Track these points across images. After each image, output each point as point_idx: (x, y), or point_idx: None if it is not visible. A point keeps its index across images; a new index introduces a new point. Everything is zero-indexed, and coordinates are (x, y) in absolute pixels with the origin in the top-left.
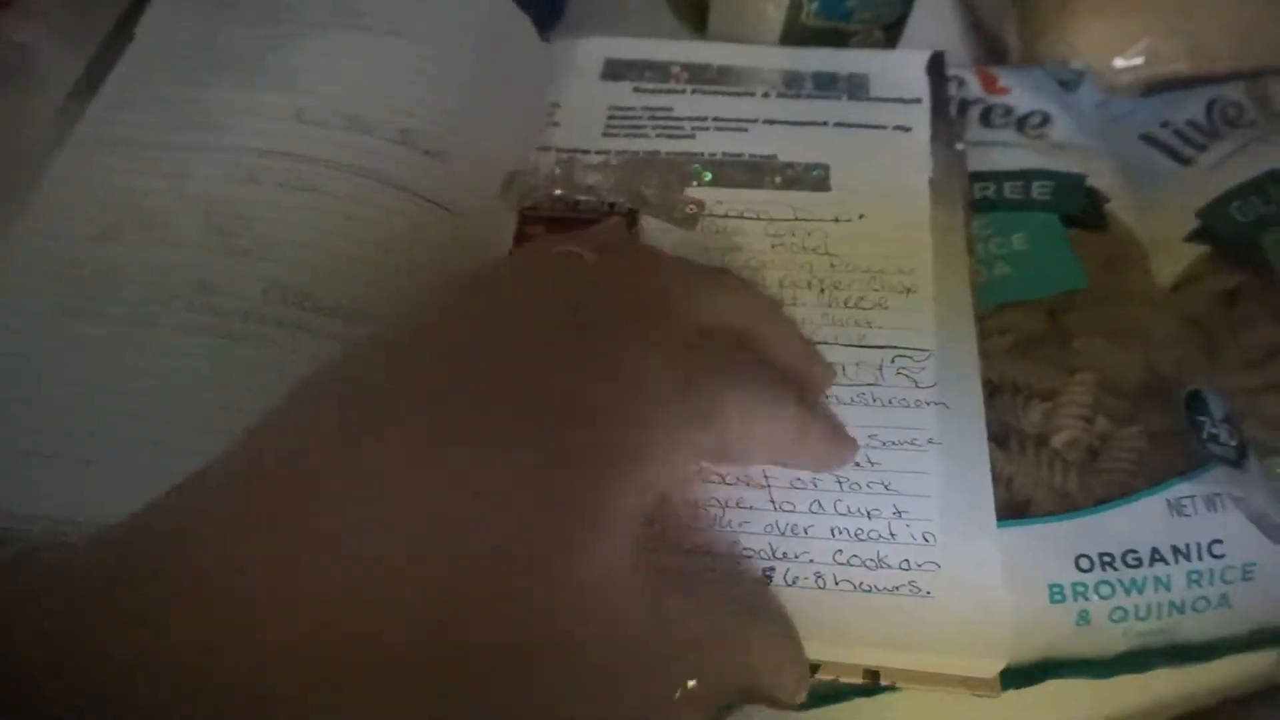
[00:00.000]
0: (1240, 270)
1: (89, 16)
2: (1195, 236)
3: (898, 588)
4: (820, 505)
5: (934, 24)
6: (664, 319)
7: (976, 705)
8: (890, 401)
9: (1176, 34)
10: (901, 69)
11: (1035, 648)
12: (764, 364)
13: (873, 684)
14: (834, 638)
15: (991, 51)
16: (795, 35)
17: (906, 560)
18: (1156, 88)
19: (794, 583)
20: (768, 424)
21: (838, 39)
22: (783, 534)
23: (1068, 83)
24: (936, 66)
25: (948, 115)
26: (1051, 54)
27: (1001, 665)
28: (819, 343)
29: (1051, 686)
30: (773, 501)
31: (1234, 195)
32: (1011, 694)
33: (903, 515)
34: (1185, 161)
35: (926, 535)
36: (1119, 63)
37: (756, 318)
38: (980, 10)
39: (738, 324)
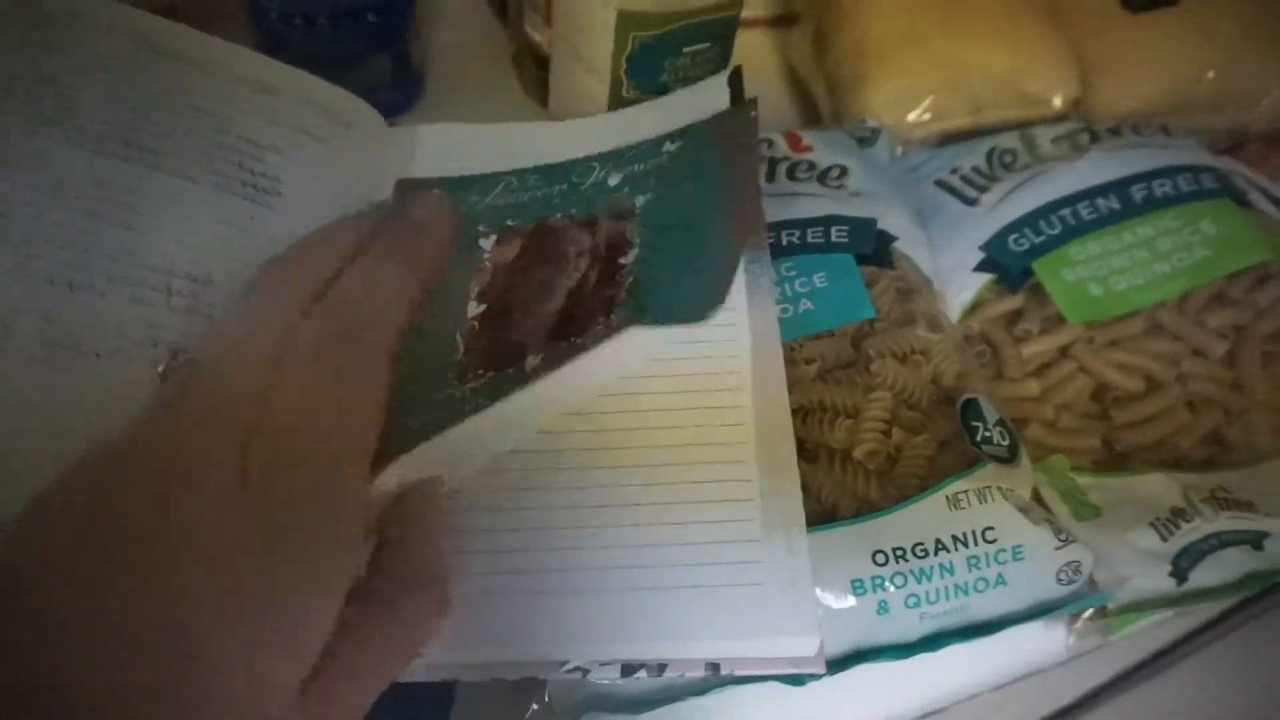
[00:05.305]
0: (1019, 294)
1: None
2: (981, 267)
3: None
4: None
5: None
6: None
7: None
8: None
9: (953, 89)
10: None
11: (846, 639)
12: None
13: (714, 675)
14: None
15: (813, 116)
16: (619, 107)
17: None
18: (948, 140)
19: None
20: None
21: None
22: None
23: (864, 139)
24: (735, 81)
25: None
26: (854, 115)
27: (818, 642)
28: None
29: None
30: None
31: (1011, 229)
32: None
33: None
34: (971, 203)
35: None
36: (911, 118)
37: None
38: (802, 79)
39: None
